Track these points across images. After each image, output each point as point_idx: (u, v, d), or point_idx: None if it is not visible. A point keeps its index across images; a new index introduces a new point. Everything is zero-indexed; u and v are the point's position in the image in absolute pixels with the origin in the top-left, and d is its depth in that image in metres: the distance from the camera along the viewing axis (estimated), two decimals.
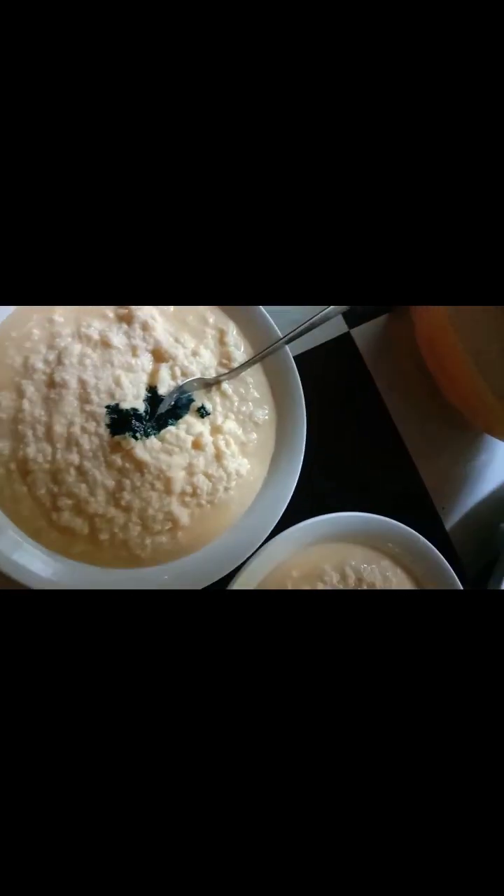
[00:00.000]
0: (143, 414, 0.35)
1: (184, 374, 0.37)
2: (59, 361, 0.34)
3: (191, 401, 0.38)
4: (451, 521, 0.51)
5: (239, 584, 0.35)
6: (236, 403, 0.39)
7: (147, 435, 0.35)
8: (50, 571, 0.32)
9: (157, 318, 0.38)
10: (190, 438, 0.36)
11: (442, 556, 0.41)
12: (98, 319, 0.37)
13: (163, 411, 0.36)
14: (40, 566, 0.32)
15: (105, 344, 0.36)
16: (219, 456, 0.37)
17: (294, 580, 0.38)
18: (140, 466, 0.34)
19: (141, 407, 0.35)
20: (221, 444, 0.37)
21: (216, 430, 0.38)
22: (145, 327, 0.38)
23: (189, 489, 0.35)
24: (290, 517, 0.39)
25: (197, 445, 0.37)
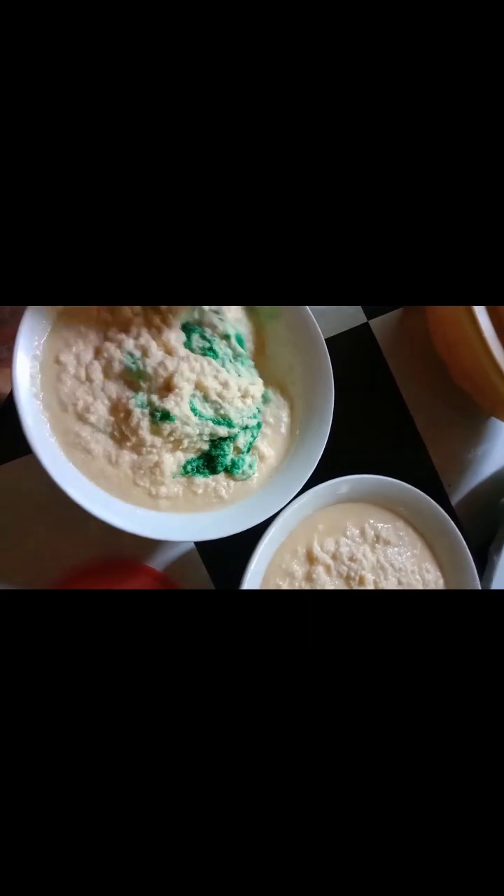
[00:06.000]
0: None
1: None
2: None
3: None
4: (456, 497, 0.56)
5: (275, 530, 0.40)
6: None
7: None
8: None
9: None
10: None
11: (450, 518, 0.46)
12: None
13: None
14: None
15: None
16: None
17: (320, 533, 0.43)
18: None
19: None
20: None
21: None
22: None
23: None
24: (314, 482, 0.43)
25: None
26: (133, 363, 0.38)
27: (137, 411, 0.38)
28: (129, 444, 0.38)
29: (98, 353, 0.39)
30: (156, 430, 0.38)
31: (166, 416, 0.38)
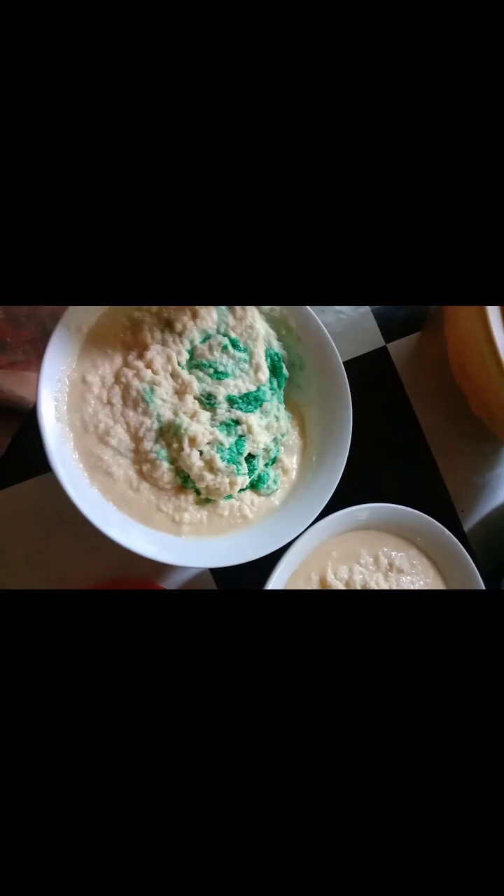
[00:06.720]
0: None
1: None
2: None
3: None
4: (469, 523, 0.56)
5: (290, 556, 0.40)
6: None
7: None
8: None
9: None
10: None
11: (463, 548, 0.46)
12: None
13: None
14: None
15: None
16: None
17: (334, 560, 0.43)
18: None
19: None
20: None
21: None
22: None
23: None
24: (329, 508, 0.43)
25: None
26: (147, 392, 0.39)
27: (164, 465, 0.39)
28: (157, 487, 0.39)
29: (118, 377, 0.39)
30: (182, 487, 0.40)
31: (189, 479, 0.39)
